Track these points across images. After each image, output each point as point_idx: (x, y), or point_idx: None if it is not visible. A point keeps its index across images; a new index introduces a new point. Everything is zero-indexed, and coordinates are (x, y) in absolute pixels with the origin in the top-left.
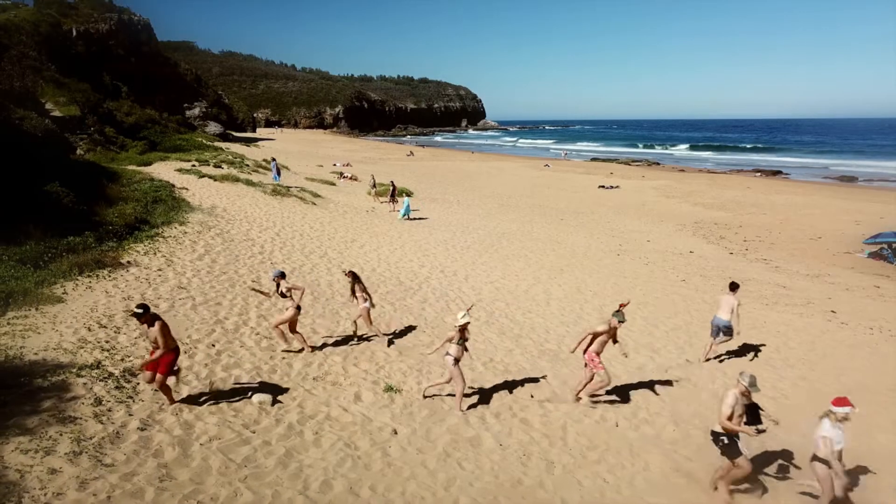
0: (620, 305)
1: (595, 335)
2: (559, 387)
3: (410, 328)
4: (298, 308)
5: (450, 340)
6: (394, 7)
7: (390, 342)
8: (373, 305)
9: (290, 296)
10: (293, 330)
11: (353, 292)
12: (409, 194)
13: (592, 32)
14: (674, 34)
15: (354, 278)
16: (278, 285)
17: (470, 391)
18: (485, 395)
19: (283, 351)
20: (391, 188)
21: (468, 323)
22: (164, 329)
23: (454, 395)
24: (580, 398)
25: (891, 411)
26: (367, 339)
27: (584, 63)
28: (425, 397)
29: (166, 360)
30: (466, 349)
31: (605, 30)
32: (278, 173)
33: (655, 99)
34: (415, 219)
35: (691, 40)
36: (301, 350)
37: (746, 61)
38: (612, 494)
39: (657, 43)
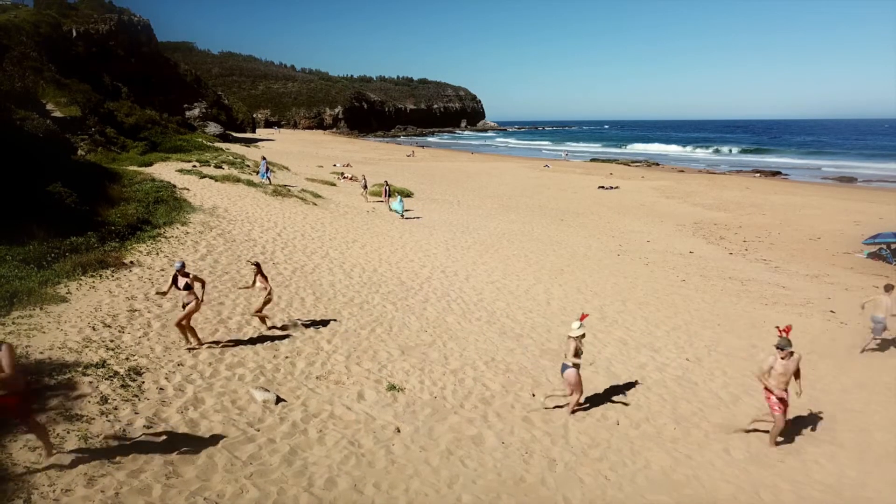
0: (780, 330)
1: (768, 371)
2: (560, 386)
3: (412, 328)
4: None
5: (573, 353)
6: (393, 7)
7: (274, 327)
8: (270, 299)
9: (193, 289)
10: (187, 325)
11: (255, 283)
12: (408, 195)
13: (592, 33)
14: (673, 35)
15: (258, 269)
16: (175, 279)
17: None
18: (487, 395)
19: (186, 349)
20: (385, 188)
21: (584, 335)
22: (10, 355)
23: (568, 404)
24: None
25: (889, 410)
26: (260, 335)
27: (584, 64)
28: (546, 408)
29: (13, 403)
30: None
31: (605, 30)
32: (267, 171)
33: (656, 99)
34: (409, 218)
35: (690, 41)
36: (195, 347)
37: (745, 62)
38: (614, 492)
39: (657, 44)
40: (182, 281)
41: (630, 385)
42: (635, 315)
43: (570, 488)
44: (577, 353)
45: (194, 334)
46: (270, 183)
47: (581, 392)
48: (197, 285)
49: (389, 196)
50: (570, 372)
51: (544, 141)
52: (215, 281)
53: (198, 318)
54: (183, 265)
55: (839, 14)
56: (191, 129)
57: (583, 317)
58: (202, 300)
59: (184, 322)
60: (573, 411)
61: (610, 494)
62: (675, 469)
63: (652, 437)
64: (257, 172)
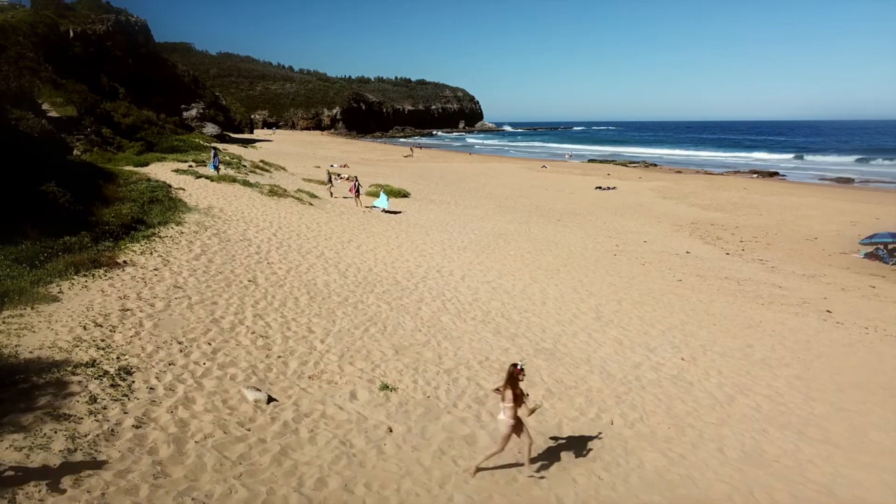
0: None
1: None
2: (554, 385)
3: (407, 327)
4: None
5: None
6: (392, 8)
7: None
8: None
9: None
10: None
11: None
12: (405, 195)
13: (592, 34)
14: (672, 35)
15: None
16: None
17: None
18: (481, 394)
19: None
20: (354, 183)
21: None
22: None
23: None
24: None
25: (885, 410)
26: None
27: (584, 64)
28: None
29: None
30: None
31: (605, 31)
32: (215, 158)
33: (656, 100)
34: (391, 212)
35: (689, 42)
36: None
37: (744, 63)
38: (607, 492)
39: (656, 44)
40: None
41: (625, 384)
42: (631, 315)
43: (563, 488)
44: None
45: None
46: (218, 173)
47: None
48: None
49: (359, 192)
50: None
51: (543, 142)
52: (209, 280)
53: (190, 318)
54: None
55: (836, 14)
56: (188, 130)
57: None
58: None
59: None
60: None
61: (603, 494)
62: (669, 469)
63: (646, 437)
64: (254, 172)
